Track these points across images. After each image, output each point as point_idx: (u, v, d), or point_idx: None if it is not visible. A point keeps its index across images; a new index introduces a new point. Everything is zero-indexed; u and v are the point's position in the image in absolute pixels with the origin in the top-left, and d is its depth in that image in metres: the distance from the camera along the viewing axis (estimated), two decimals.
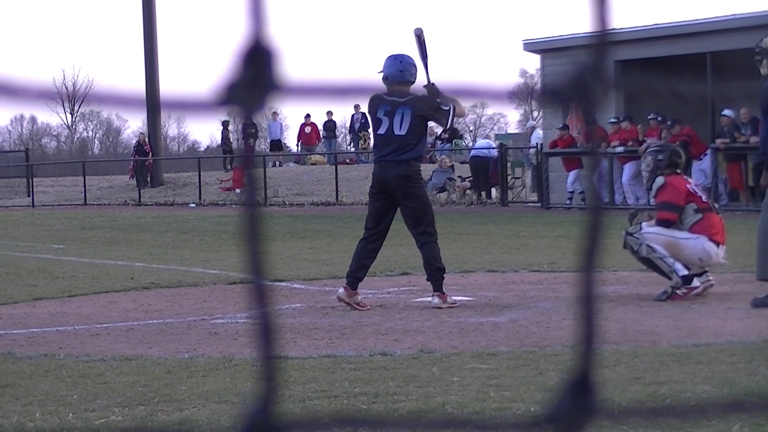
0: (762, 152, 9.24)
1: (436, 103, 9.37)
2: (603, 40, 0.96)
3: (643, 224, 9.48)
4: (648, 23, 25.82)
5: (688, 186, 9.56)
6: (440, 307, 9.09)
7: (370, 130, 40.94)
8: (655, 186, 9.54)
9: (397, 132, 9.31)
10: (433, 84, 9.44)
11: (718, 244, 9.38)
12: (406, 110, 9.31)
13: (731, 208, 22.59)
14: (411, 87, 9.53)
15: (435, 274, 9.25)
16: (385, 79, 9.32)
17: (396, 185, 9.27)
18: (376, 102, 9.41)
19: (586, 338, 1.00)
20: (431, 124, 9.95)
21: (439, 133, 38.13)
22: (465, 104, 9.67)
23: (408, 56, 9.49)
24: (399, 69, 9.36)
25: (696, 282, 9.27)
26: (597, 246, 1.00)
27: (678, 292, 9.21)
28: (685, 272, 9.22)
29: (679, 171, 9.72)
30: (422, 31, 9.64)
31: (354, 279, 9.30)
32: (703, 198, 9.58)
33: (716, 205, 9.68)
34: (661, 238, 9.29)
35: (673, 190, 9.44)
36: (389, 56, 9.50)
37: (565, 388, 0.99)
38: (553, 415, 0.96)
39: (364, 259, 9.40)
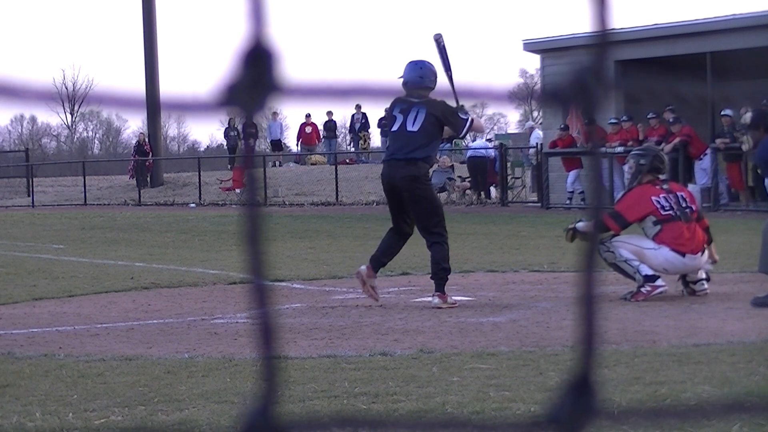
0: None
1: (453, 108, 9.34)
2: (603, 40, 0.96)
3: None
4: (648, 23, 25.84)
5: (653, 198, 9.50)
6: (440, 307, 9.09)
7: (371, 130, 41.00)
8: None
9: (409, 128, 9.26)
10: (462, 106, 9.39)
11: (683, 254, 9.35)
12: (421, 108, 9.27)
13: (731, 208, 22.60)
14: (431, 93, 9.47)
15: (440, 273, 9.24)
16: (404, 84, 9.27)
17: (403, 186, 9.22)
18: (394, 101, 9.40)
19: (586, 339, 1.00)
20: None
21: None
22: (466, 104, 9.61)
23: (428, 63, 9.46)
24: (419, 75, 9.33)
25: (660, 282, 9.27)
26: (597, 247, 1.00)
27: (642, 290, 9.23)
28: (649, 272, 9.25)
29: (660, 176, 9.72)
30: (441, 36, 9.59)
31: (378, 262, 9.35)
32: (666, 209, 9.48)
33: (688, 211, 9.57)
34: (629, 246, 9.36)
35: (632, 202, 9.46)
36: (410, 62, 9.45)
37: (565, 389, 0.99)
38: (554, 416, 0.96)
39: (391, 247, 9.43)
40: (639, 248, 9.37)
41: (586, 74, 0.97)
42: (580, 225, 9.73)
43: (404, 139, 9.26)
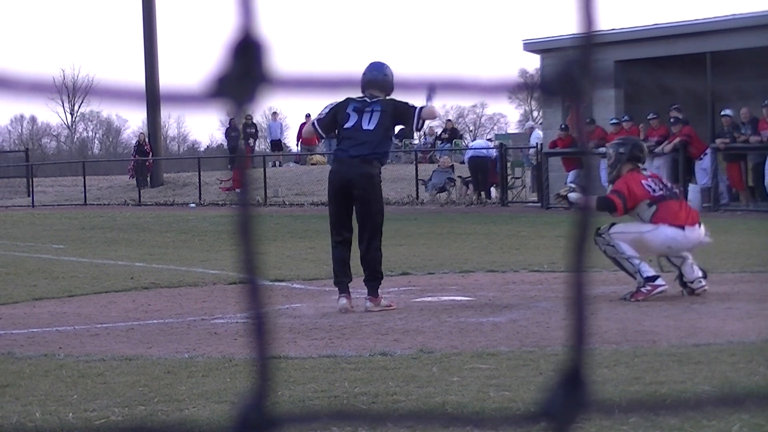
0: None
1: (404, 103, 9.33)
2: (589, 34, 0.96)
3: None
4: (648, 23, 25.84)
5: (643, 182, 9.57)
6: (372, 311, 9.08)
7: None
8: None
9: (365, 126, 9.21)
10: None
11: (682, 227, 9.38)
12: (376, 107, 9.25)
13: (731, 208, 22.60)
14: (385, 96, 9.42)
15: (377, 278, 9.29)
16: (366, 82, 9.26)
17: (358, 184, 9.18)
18: (346, 101, 9.33)
19: (576, 334, 1.00)
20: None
21: (438, 133, 38.13)
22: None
23: (389, 68, 9.45)
24: (383, 73, 9.33)
25: (660, 281, 9.28)
26: (585, 245, 1.00)
27: (642, 289, 9.24)
28: (650, 273, 9.27)
29: (640, 165, 9.75)
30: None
31: (346, 284, 9.27)
32: (656, 191, 9.57)
33: (677, 190, 9.73)
34: (627, 235, 9.36)
35: (625, 184, 9.50)
36: (374, 62, 9.47)
37: (557, 383, 0.99)
38: (547, 410, 0.96)
39: (346, 262, 9.38)
40: (638, 234, 9.36)
41: (573, 67, 0.97)
42: (573, 196, 9.92)
43: (360, 138, 9.21)
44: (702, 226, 9.54)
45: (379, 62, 9.50)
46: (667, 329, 7.74)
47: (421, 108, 9.30)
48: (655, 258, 9.60)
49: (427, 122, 9.79)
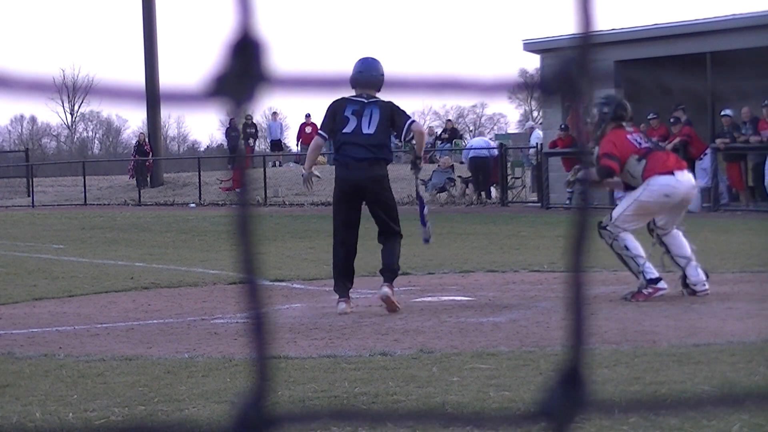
0: None
1: (402, 112, 9.28)
2: (587, 34, 0.96)
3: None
4: (648, 23, 25.85)
5: (628, 136, 9.63)
6: (389, 297, 9.06)
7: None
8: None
9: (365, 130, 9.13)
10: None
11: (672, 172, 9.42)
12: (374, 108, 9.17)
13: (731, 208, 22.60)
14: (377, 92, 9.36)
15: (395, 268, 9.32)
16: (360, 81, 9.19)
17: (371, 187, 9.14)
18: (342, 102, 9.21)
19: (575, 334, 1.00)
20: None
21: (438, 133, 38.14)
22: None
23: (380, 63, 9.40)
24: (381, 73, 9.23)
25: (663, 284, 9.27)
26: (584, 245, 1.00)
27: (644, 291, 9.24)
28: (653, 275, 9.26)
29: (623, 124, 9.80)
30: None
31: (347, 290, 9.23)
32: (642, 144, 9.65)
33: (661, 144, 9.92)
34: (629, 212, 9.39)
35: (611, 143, 9.54)
36: (367, 58, 9.35)
37: (556, 383, 0.99)
38: (546, 409, 0.96)
39: (350, 267, 9.34)
40: (635, 201, 9.38)
41: (571, 66, 0.97)
42: (580, 175, 10.09)
43: (363, 141, 9.12)
44: (689, 172, 9.70)
45: (372, 59, 9.37)
46: (667, 329, 7.73)
47: (413, 121, 9.27)
48: (659, 255, 9.57)
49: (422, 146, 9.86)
